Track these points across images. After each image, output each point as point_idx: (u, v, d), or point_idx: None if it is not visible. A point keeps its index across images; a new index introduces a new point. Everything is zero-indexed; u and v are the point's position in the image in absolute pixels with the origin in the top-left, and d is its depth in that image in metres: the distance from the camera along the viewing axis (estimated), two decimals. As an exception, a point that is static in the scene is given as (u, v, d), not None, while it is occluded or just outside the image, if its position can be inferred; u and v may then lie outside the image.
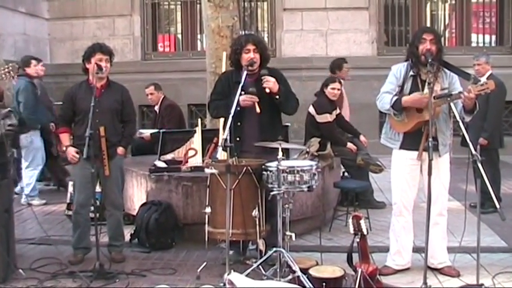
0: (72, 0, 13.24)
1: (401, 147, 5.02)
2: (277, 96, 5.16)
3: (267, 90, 5.09)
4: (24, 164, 8.09)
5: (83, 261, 5.41)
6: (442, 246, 5.11)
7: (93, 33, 13.15)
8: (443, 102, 4.71)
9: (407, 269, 5.16)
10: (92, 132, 4.97)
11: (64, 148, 5.56)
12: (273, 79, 5.13)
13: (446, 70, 4.93)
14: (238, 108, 4.94)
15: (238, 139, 5.12)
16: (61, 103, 5.76)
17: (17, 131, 7.49)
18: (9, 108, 7.84)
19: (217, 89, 5.55)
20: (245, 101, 5.05)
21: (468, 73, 4.96)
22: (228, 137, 4.61)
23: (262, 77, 5.12)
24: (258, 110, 5.09)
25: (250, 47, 5.25)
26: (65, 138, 5.56)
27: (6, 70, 4.94)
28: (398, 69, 5.06)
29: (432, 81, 4.57)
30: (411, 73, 4.94)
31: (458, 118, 4.56)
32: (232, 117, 4.78)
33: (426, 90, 4.72)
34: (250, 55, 5.23)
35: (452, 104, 4.64)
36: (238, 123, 5.10)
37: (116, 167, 5.51)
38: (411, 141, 4.92)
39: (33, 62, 8.22)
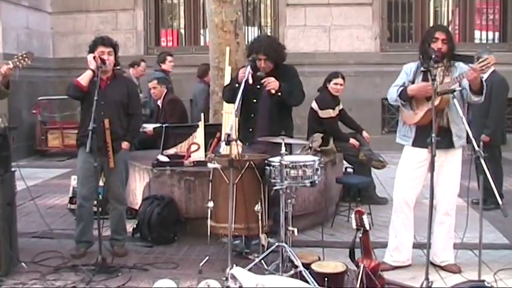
0: (75, -6, 13.26)
1: (413, 144, 5.02)
2: (279, 93, 5.19)
3: (273, 91, 5.15)
4: None
5: (85, 255, 5.42)
6: (447, 246, 5.10)
7: (96, 27, 13.13)
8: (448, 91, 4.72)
9: (406, 266, 5.15)
10: (96, 126, 4.95)
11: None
12: (272, 79, 5.18)
13: (457, 64, 4.94)
14: (255, 101, 4.99)
15: (250, 130, 5.16)
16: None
17: (145, 121, 7.64)
18: (146, 99, 8.21)
19: (234, 76, 5.71)
20: (242, 73, 5.14)
21: (471, 56, 5.01)
22: (232, 132, 4.62)
23: (263, 81, 5.18)
24: (250, 80, 5.12)
25: (262, 57, 5.32)
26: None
27: (21, 57, 4.92)
28: (409, 67, 5.11)
29: (435, 76, 4.58)
30: (422, 68, 4.94)
31: (461, 114, 4.55)
32: (236, 111, 4.80)
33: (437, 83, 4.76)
34: (261, 63, 5.32)
35: (456, 101, 4.63)
36: (252, 115, 5.17)
37: (121, 161, 5.51)
38: (424, 138, 4.82)
39: (169, 58, 9.08)
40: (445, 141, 4.78)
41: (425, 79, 4.88)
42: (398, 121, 5.28)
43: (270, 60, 5.35)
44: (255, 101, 5.11)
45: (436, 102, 4.59)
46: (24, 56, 4.92)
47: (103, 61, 5.28)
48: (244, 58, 5.99)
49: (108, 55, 5.39)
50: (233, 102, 5.67)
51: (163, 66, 9.46)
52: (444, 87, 4.72)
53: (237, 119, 4.81)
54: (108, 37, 5.55)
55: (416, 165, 5.01)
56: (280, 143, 4.81)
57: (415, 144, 5.01)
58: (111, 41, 5.50)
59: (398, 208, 5.13)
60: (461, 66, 4.94)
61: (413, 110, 4.95)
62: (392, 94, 5.02)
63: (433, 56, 4.72)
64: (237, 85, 5.15)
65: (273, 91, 5.16)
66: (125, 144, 5.54)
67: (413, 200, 5.12)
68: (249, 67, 5.11)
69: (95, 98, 5.01)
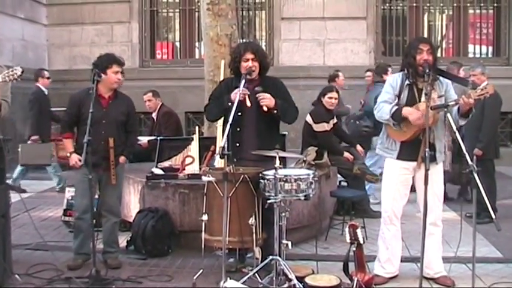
0: (70, 6, 13.26)
1: (398, 157, 5.03)
2: (275, 111, 5.13)
3: (265, 109, 5.04)
4: None
5: (82, 267, 5.41)
6: (437, 256, 5.11)
7: (92, 39, 13.18)
8: (440, 110, 4.76)
9: (396, 276, 5.16)
10: (90, 139, 4.95)
11: (68, 154, 5.56)
12: (268, 95, 5.09)
13: (441, 78, 4.98)
14: (239, 114, 4.96)
15: (237, 145, 5.11)
16: (65, 108, 5.80)
17: (371, 132, 7.56)
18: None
19: (215, 94, 5.53)
20: (236, 93, 4.97)
21: (466, 79, 5.03)
22: (226, 145, 4.61)
23: (257, 95, 5.08)
24: (248, 103, 5.04)
25: (249, 55, 5.21)
26: (69, 143, 5.59)
27: (11, 73, 4.94)
28: (394, 79, 5.09)
29: (429, 91, 4.62)
30: (407, 82, 4.97)
31: (455, 129, 4.57)
32: (231, 124, 4.77)
33: (423, 98, 4.78)
34: (248, 64, 5.19)
35: (449, 115, 4.66)
36: (238, 129, 5.07)
37: (119, 175, 5.56)
38: (408, 151, 4.93)
39: (389, 69, 8.74)
40: (430, 156, 4.79)
41: (411, 93, 4.92)
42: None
43: (257, 60, 5.23)
44: (239, 114, 5.00)
45: (430, 121, 4.61)
46: (15, 72, 4.92)
47: (99, 75, 5.31)
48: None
49: (121, 75, 5.53)
50: (217, 120, 5.70)
51: (385, 77, 9.04)
52: (436, 103, 4.74)
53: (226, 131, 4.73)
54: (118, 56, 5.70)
55: (402, 177, 5.04)
56: (269, 159, 4.82)
57: (399, 157, 5.03)
58: (123, 61, 5.66)
59: (388, 221, 5.13)
60: (446, 82, 4.99)
61: (400, 127, 4.95)
62: (383, 113, 4.97)
63: (426, 70, 4.73)
64: (230, 104, 5.01)
65: (266, 108, 5.03)
66: (121, 159, 5.61)
67: (401, 211, 5.14)
68: (241, 87, 4.95)
69: (90, 110, 5.03)
